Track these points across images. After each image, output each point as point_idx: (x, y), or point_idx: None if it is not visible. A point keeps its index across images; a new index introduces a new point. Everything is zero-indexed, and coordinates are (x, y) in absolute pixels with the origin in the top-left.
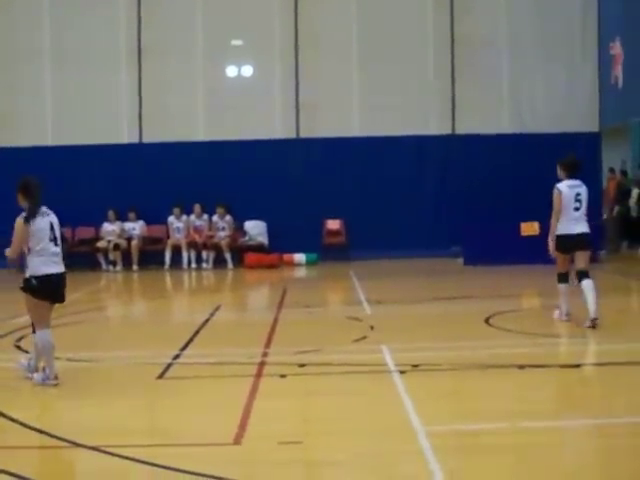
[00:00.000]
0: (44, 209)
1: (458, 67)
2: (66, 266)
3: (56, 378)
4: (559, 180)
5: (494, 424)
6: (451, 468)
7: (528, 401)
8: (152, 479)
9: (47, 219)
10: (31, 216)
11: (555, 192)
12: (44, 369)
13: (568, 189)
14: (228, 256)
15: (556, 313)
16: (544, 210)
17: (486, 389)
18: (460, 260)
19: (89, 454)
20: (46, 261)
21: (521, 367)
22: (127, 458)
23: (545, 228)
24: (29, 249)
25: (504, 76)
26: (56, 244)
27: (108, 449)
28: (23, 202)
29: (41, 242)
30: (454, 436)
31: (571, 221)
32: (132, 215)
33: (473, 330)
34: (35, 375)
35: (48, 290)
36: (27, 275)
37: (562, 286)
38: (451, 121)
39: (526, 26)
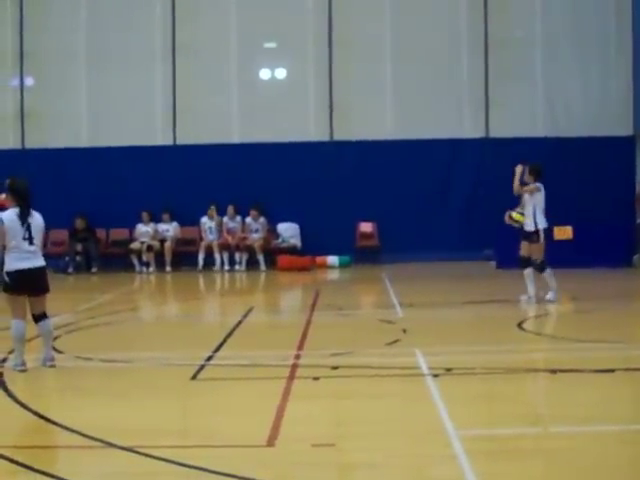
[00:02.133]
0: (24, 210)
1: (492, 69)
2: (99, 267)
3: (24, 364)
4: (526, 183)
5: (527, 429)
6: (483, 472)
7: (561, 406)
8: None
9: (24, 220)
10: (21, 217)
11: (539, 188)
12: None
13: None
14: (261, 258)
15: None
16: (577, 214)
17: (519, 393)
18: (493, 264)
19: (122, 454)
20: (19, 257)
21: (553, 372)
22: (160, 459)
23: (578, 233)
24: (5, 247)
25: (538, 78)
26: (31, 243)
27: (141, 450)
28: (10, 203)
29: (14, 240)
30: (487, 440)
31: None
32: (166, 217)
33: (506, 334)
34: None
35: (20, 284)
36: (4, 271)
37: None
38: (485, 124)
39: (560, 27)
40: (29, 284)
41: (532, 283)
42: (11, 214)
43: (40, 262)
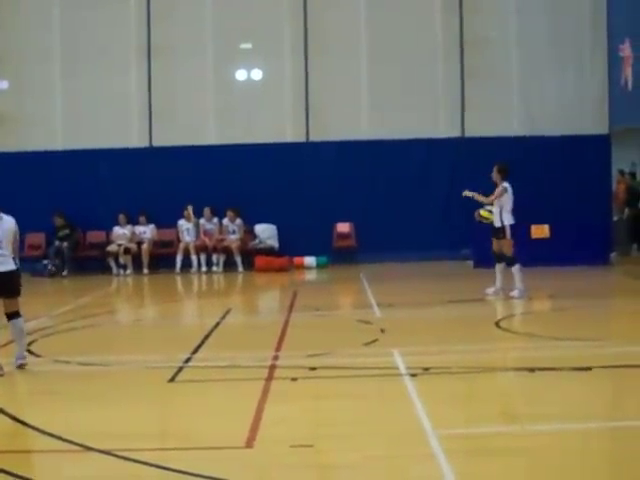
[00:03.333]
0: None
1: (467, 68)
2: (76, 270)
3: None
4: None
5: (505, 427)
6: (462, 471)
7: (539, 404)
8: None
9: None
10: None
11: (507, 189)
12: None
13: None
14: (238, 259)
15: (516, 292)
16: (554, 213)
17: (497, 392)
18: (470, 263)
19: (101, 458)
20: None
21: (531, 370)
22: (139, 462)
23: (555, 231)
24: None
25: (514, 77)
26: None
27: (120, 453)
28: None
29: None
30: (465, 439)
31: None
32: (143, 219)
33: (484, 333)
34: None
35: None
36: None
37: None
38: (460, 123)
39: (536, 27)
40: None
41: (500, 277)
42: None
43: (9, 266)
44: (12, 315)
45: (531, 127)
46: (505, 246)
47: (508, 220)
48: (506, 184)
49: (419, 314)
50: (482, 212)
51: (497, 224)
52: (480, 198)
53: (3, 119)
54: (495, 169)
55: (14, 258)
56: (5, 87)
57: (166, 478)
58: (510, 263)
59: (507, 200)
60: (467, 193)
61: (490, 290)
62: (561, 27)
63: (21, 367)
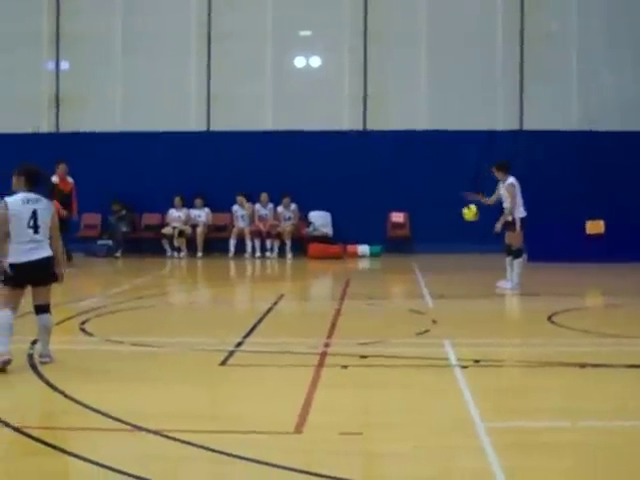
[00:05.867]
0: (32, 196)
1: (527, 61)
2: (131, 251)
3: (4, 355)
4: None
5: (554, 422)
6: (509, 465)
7: (589, 400)
8: (212, 465)
9: (30, 206)
10: (27, 203)
11: (514, 185)
12: None
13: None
14: (289, 244)
15: (507, 284)
16: (610, 209)
17: (547, 387)
18: (524, 256)
19: (150, 438)
20: (22, 249)
21: (582, 366)
22: (188, 443)
23: (611, 227)
24: (8, 235)
25: (573, 72)
26: (36, 232)
27: (169, 433)
28: (20, 186)
29: (17, 229)
30: (513, 433)
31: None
32: (198, 202)
33: (536, 327)
34: None
35: (21, 277)
36: (6, 262)
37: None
38: (519, 116)
39: (596, 22)
40: (31, 276)
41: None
42: (17, 199)
43: (46, 253)
44: (42, 308)
45: (589, 122)
46: (514, 238)
47: (519, 213)
48: (512, 179)
49: (471, 306)
50: (465, 211)
51: (509, 218)
52: (483, 200)
53: (63, 100)
54: (494, 168)
55: (50, 246)
56: (66, 68)
57: (214, 460)
58: (515, 255)
59: (517, 194)
60: (470, 196)
61: (502, 282)
62: (620, 22)
63: (44, 363)
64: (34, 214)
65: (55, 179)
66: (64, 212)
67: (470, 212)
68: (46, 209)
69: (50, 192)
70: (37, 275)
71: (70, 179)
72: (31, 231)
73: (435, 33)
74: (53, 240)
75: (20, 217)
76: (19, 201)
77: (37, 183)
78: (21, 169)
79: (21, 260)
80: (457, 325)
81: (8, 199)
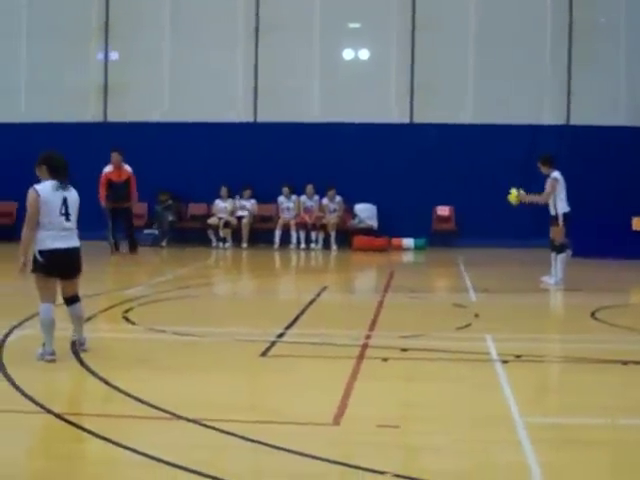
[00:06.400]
0: (62, 183)
1: (575, 55)
2: (176, 241)
3: (53, 354)
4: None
5: (594, 419)
6: (547, 460)
7: (630, 398)
8: (250, 454)
9: (60, 193)
10: (58, 190)
11: (558, 179)
12: (43, 344)
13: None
14: (333, 236)
15: (551, 279)
16: None
17: (588, 383)
18: (569, 252)
19: (189, 426)
20: (54, 235)
21: (625, 363)
22: (227, 433)
23: None
24: (38, 222)
25: (621, 66)
26: (67, 219)
27: (209, 423)
28: (44, 175)
29: (49, 216)
30: (552, 429)
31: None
32: (246, 193)
33: (578, 323)
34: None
35: (52, 265)
36: (35, 250)
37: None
38: (566, 111)
39: None
40: (61, 266)
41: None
42: (47, 186)
43: (75, 242)
44: (72, 299)
45: (636, 117)
46: (557, 233)
47: (562, 208)
48: (556, 173)
49: (514, 300)
50: (511, 195)
51: (552, 212)
52: (535, 199)
53: (112, 89)
54: (540, 162)
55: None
56: (115, 58)
57: (253, 450)
58: (558, 250)
59: (560, 189)
60: (518, 198)
61: (546, 278)
62: None
63: (85, 351)
64: (65, 201)
65: (108, 168)
66: (116, 202)
67: (515, 196)
68: (75, 197)
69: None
70: (66, 265)
71: (127, 168)
72: (63, 218)
73: (483, 26)
74: None
75: (51, 204)
76: (49, 188)
77: (59, 171)
78: (40, 158)
79: (52, 246)
80: (499, 320)
81: (37, 186)
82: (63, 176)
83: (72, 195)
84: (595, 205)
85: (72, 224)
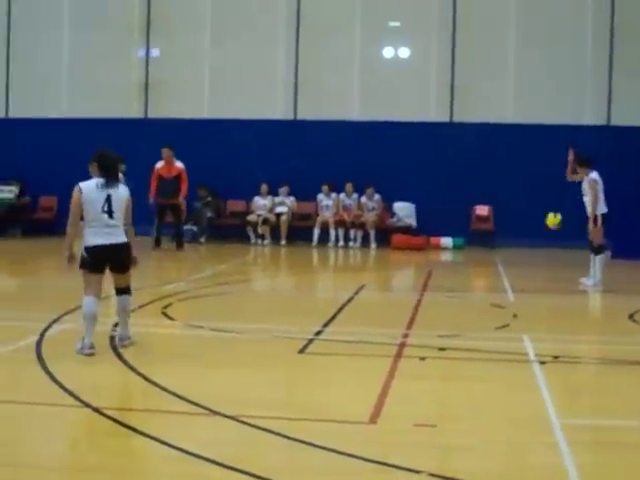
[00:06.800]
0: (107, 181)
1: (617, 56)
2: (215, 238)
3: (92, 347)
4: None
5: (631, 421)
6: (584, 463)
7: None
8: (286, 452)
9: (104, 191)
10: (102, 188)
11: (597, 180)
12: (83, 338)
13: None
14: (372, 234)
15: (590, 280)
16: None
17: (625, 385)
18: (608, 253)
19: (226, 423)
20: (96, 232)
21: None
22: (263, 429)
23: None
24: (83, 220)
25: None
26: (111, 217)
27: (245, 419)
28: (95, 172)
29: (92, 213)
30: (590, 431)
31: (604, 202)
32: (284, 190)
33: (616, 325)
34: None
35: (96, 261)
36: (82, 246)
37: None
38: (606, 111)
39: None
40: (105, 262)
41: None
42: (91, 184)
43: (121, 238)
44: (121, 290)
45: None
46: (594, 234)
47: (600, 209)
48: (594, 174)
49: (553, 301)
50: (548, 221)
51: (589, 213)
52: (589, 210)
53: (152, 86)
54: (577, 164)
55: (125, 232)
56: (156, 55)
57: (289, 447)
58: (596, 252)
59: (599, 189)
60: (557, 220)
61: (584, 279)
62: None
63: (124, 347)
64: (108, 199)
65: (159, 164)
66: (164, 198)
67: (555, 219)
68: (122, 194)
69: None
70: (112, 260)
71: (178, 164)
72: (105, 216)
73: (524, 25)
74: (127, 225)
75: (94, 202)
76: (93, 186)
77: (109, 169)
78: (94, 157)
79: (95, 243)
80: (537, 320)
81: (82, 184)
82: (113, 174)
83: (118, 192)
84: (635, 206)
85: (116, 221)
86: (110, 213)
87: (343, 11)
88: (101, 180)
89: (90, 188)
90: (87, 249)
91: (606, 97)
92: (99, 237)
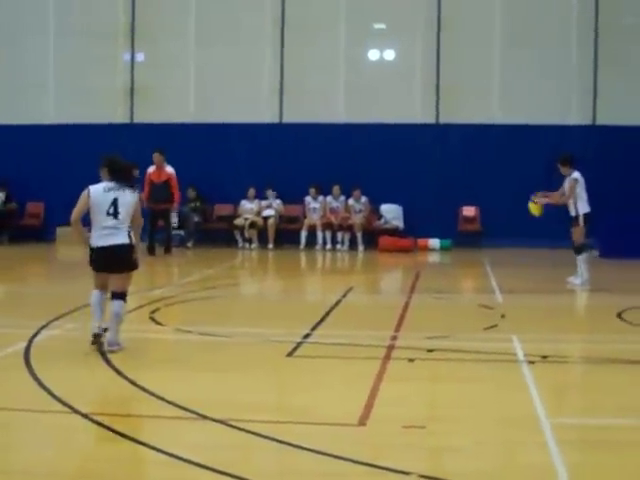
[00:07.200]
0: (115, 184)
1: (602, 56)
2: (202, 242)
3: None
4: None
5: (620, 420)
6: (573, 462)
7: None
8: (276, 455)
9: (111, 194)
10: (109, 191)
11: (577, 179)
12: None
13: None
14: (359, 236)
15: (577, 279)
16: None
17: (614, 384)
18: (595, 252)
19: (216, 427)
20: (99, 234)
21: None
22: (253, 433)
23: None
24: (90, 221)
25: None
26: (116, 218)
27: (235, 423)
28: (106, 177)
29: (98, 215)
30: (579, 430)
31: (587, 202)
32: (270, 194)
33: (605, 324)
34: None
35: (97, 261)
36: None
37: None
38: (592, 111)
39: None
40: (103, 262)
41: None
42: (99, 187)
43: (122, 239)
44: (115, 295)
45: None
46: (577, 234)
47: (582, 209)
48: (576, 174)
49: (541, 301)
50: (531, 205)
51: (572, 213)
52: (554, 200)
53: (138, 91)
54: (559, 162)
55: (130, 233)
56: (141, 59)
57: (278, 450)
58: (577, 251)
59: (580, 189)
60: (539, 200)
61: (574, 279)
62: None
63: (112, 352)
64: (114, 202)
65: (150, 169)
66: (155, 204)
67: (536, 207)
68: (129, 198)
69: (131, 181)
70: (112, 261)
71: (169, 169)
72: (110, 218)
73: (509, 26)
74: (133, 228)
75: (100, 204)
76: (101, 189)
77: (118, 173)
78: (103, 161)
79: (96, 244)
80: (526, 320)
81: (92, 187)
82: (123, 178)
83: (125, 196)
84: (622, 205)
85: (120, 222)
86: (115, 215)
87: (328, 14)
88: (109, 184)
89: (98, 191)
90: (91, 250)
91: (591, 97)
92: (101, 239)
